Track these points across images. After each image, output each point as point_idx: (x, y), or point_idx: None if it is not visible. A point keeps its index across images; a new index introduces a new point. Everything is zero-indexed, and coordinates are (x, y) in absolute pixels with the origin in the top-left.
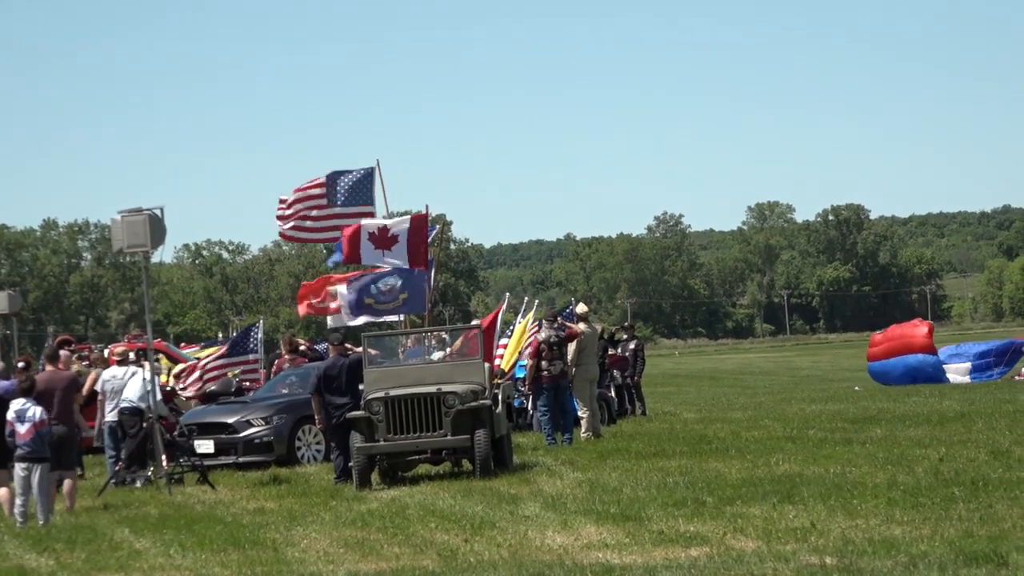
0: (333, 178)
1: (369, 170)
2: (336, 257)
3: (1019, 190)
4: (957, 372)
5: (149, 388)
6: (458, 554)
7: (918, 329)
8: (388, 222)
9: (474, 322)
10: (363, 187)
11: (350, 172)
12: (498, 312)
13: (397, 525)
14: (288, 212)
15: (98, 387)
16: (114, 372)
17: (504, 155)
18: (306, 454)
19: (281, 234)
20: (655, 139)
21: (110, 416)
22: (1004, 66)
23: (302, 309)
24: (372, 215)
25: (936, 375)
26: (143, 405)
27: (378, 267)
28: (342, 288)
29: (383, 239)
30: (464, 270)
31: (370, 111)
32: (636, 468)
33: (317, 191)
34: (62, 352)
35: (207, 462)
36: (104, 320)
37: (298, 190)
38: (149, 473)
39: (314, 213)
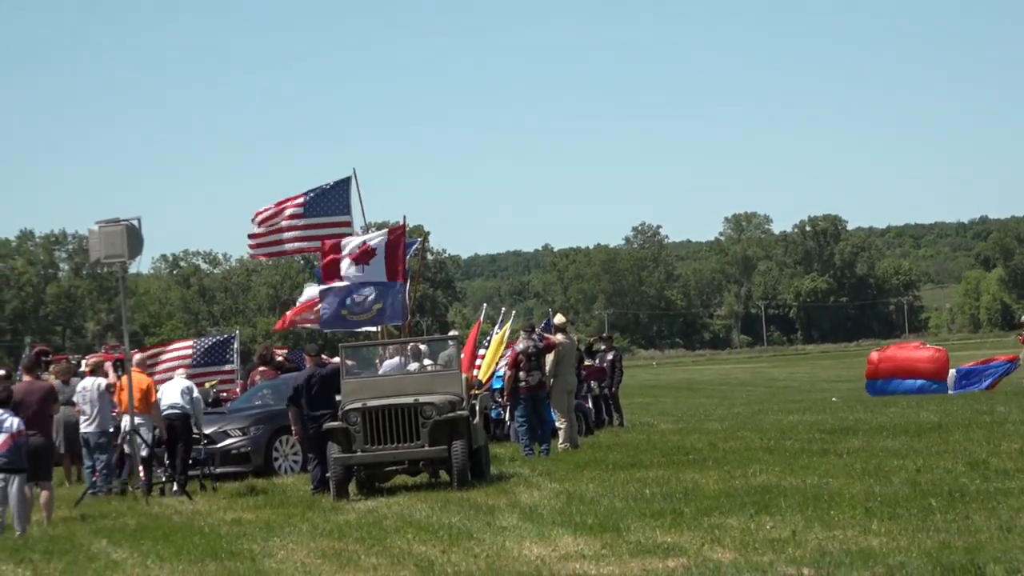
0: (311, 192)
1: (345, 180)
2: (316, 272)
3: (996, 201)
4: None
5: (196, 395)
6: (435, 565)
7: (920, 352)
8: (366, 236)
9: (451, 333)
10: (339, 197)
11: (327, 184)
12: (478, 325)
13: (374, 536)
14: (260, 230)
15: (76, 398)
16: (85, 384)
17: (482, 166)
18: (283, 465)
19: (252, 255)
20: (633, 150)
21: (88, 427)
22: (982, 76)
23: (280, 324)
24: (349, 224)
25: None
26: (190, 409)
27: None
28: (320, 296)
29: (362, 254)
30: (442, 281)
31: (348, 121)
32: (613, 479)
33: (294, 205)
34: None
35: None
36: (81, 330)
37: (276, 205)
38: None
39: (287, 224)
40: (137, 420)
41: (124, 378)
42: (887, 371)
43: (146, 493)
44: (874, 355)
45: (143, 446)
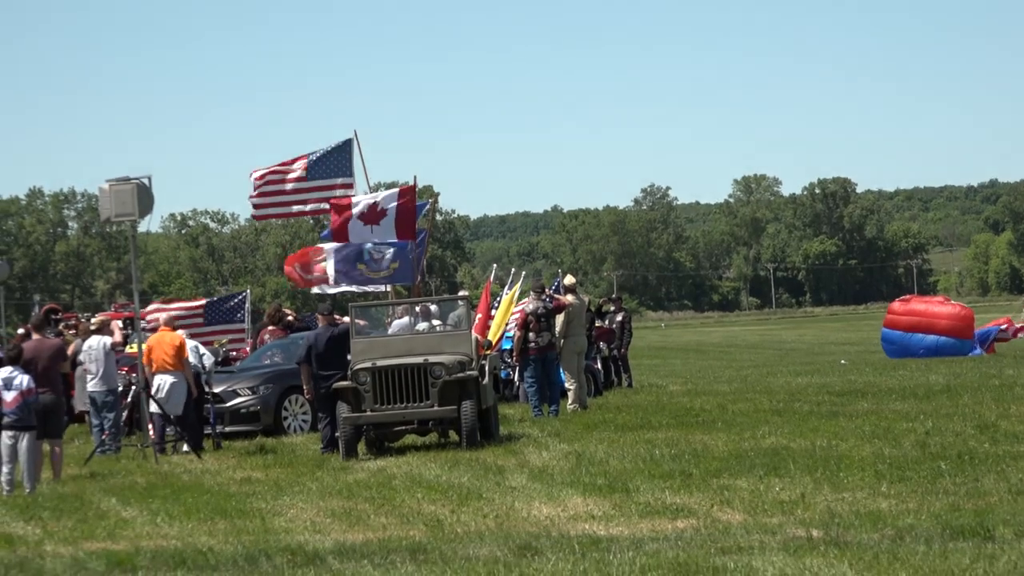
0: (313, 155)
1: (346, 142)
2: (326, 234)
3: (1006, 164)
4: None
5: (204, 352)
6: (445, 524)
7: (944, 307)
8: (377, 197)
9: (461, 293)
10: (341, 159)
11: (329, 147)
12: (488, 286)
13: (384, 495)
14: (262, 190)
15: (82, 357)
16: (91, 342)
17: (491, 126)
18: (292, 424)
19: (254, 216)
20: (642, 111)
21: (94, 386)
22: (993, 39)
23: (292, 281)
24: (351, 186)
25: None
26: (200, 367)
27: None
28: (331, 247)
29: (372, 214)
30: (450, 241)
31: (357, 79)
32: (622, 440)
33: (296, 166)
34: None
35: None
36: (90, 289)
37: (277, 167)
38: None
39: (290, 187)
40: (171, 378)
41: (154, 336)
42: (907, 324)
43: (177, 450)
44: (896, 305)
45: (180, 404)
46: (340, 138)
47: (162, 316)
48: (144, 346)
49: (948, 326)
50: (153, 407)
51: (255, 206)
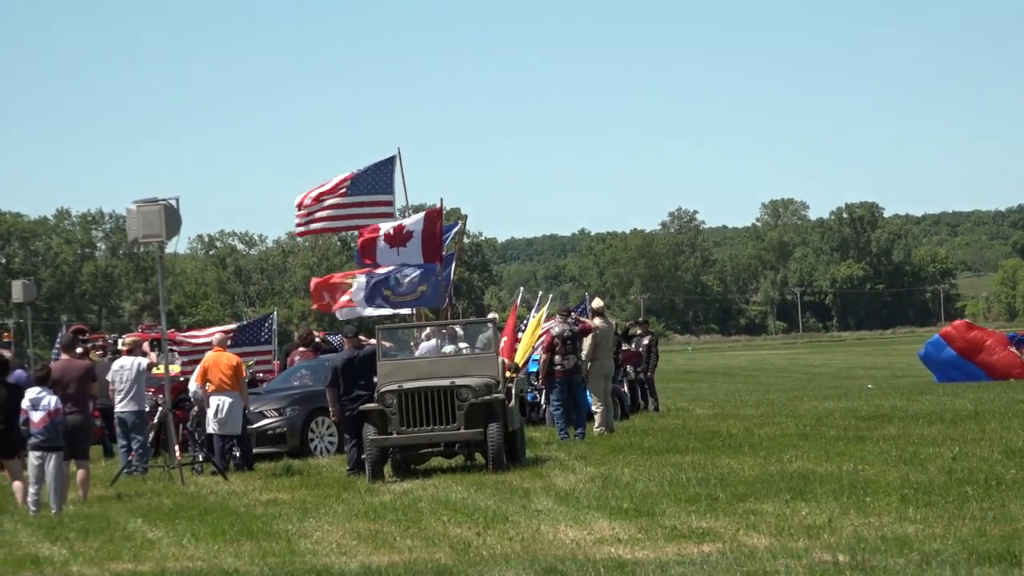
0: (359, 170)
1: (389, 159)
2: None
3: None
4: None
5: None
6: (471, 547)
7: (1007, 355)
8: (404, 219)
9: (490, 316)
10: (382, 175)
11: (372, 163)
12: (515, 309)
13: (410, 518)
14: (306, 210)
15: (111, 377)
16: (123, 363)
17: (519, 149)
18: (319, 446)
19: (297, 234)
20: (670, 135)
21: (124, 407)
22: (1019, 64)
23: (316, 304)
24: (391, 203)
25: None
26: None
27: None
28: (360, 279)
29: (398, 236)
30: (478, 264)
31: (386, 103)
32: (649, 463)
33: (341, 184)
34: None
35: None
36: (117, 310)
37: (322, 187)
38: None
39: (331, 202)
40: (229, 399)
41: (210, 356)
42: (963, 351)
43: (234, 470)
44: (962, 326)
45: (238, 425)
46: (369, 160)
47: (215, 337)
48: (199, 367)
49: (989, 363)
50: (212, 428)
51: (298, 223)
